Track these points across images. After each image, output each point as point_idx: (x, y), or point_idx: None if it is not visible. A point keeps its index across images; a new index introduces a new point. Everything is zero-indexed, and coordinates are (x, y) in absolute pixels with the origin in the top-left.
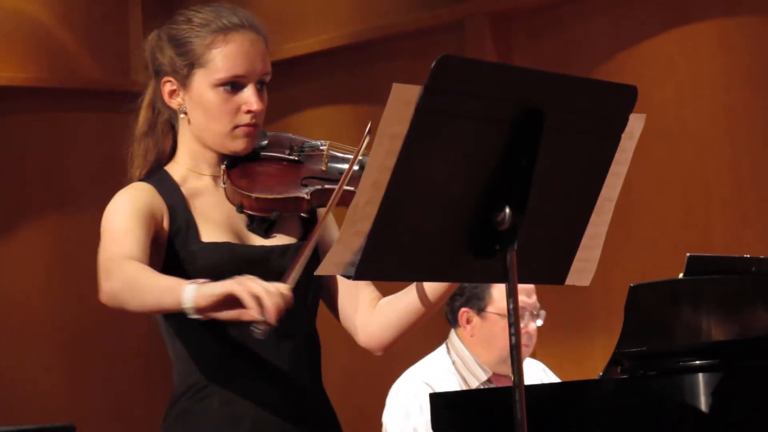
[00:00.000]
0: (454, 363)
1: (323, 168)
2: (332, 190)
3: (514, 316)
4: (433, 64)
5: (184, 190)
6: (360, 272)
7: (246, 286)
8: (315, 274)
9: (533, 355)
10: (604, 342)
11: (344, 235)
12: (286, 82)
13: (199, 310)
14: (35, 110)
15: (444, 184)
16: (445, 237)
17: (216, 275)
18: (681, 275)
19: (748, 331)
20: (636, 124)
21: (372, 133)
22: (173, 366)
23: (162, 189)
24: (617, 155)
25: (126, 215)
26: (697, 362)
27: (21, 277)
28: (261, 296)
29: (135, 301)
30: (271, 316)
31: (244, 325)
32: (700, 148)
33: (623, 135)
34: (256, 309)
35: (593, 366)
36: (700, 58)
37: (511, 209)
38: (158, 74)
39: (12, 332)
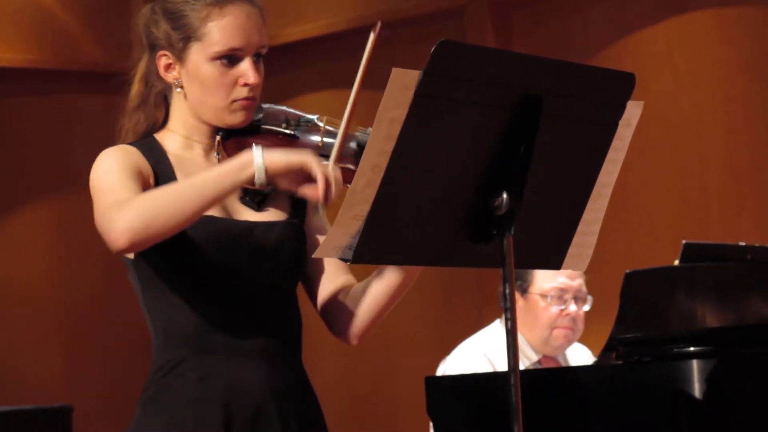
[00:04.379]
0: None
1: (320, 144)
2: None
3: (510, 301)
4: (432, 49)
5: (171, 157)
6: (358, 256)
7: (321, 166)
8: (312, 257)
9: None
10: (600, 328)
11: (342, 218)
12: (288, 67)
13: (270, 172)
14: (37, 92)
15: (442, 169)
16: (443, 221)
17: (197, 247)
18: (676, 262)
19: (742, 319)
20: (634, 111)
21: (376, 35)
22: (152, 341)
23: (148, 153)
24: (615, 142)
25: (117, 171)
26: (692, 349)
27: (22, 260)
28: (330, 180)
29: (180, 209)
30: (330, 200)
31: (221, 300)
32: (697, 136)
33: (621, 122)
34: (323, 191)
35: None
36: (699, 47)
37: (509, 195)
38: (153, 48)
39: (12, 314)
